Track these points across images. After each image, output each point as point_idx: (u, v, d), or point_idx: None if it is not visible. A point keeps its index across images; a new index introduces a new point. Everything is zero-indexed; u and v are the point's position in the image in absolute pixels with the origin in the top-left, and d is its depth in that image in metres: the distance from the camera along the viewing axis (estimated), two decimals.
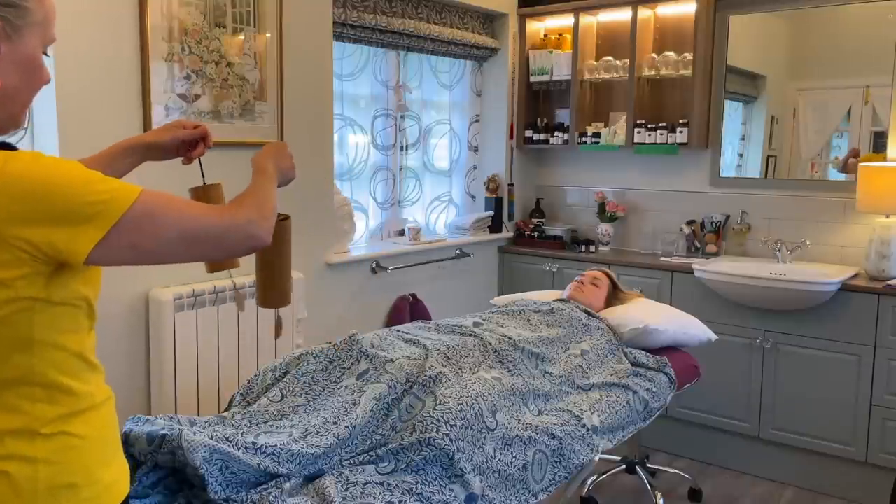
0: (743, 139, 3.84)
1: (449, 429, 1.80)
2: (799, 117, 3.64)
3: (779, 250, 3.51)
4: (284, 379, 2.05)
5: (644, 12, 3.89)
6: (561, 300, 2.93)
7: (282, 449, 1.67)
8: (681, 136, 3.77)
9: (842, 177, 3.52)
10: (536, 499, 1.92)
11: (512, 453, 1.91)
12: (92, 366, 1.10)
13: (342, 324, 3.28)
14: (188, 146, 1.46)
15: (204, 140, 1.46)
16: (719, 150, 3.83)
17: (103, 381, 1.13)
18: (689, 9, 3.76)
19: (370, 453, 1.77)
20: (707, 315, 3.43)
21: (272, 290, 1.54)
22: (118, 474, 1.13)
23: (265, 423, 1.87)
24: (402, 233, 3.88)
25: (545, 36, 4.31)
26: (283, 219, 1.52)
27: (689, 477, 3.31)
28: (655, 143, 3.84)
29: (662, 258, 3.80)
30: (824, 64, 3.56)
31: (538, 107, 4.39)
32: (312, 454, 1.70)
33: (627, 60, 3.89)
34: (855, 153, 3.54)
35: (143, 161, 1.44)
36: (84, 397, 1.07)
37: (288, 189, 3.01)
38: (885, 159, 3.36)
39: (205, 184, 1.51)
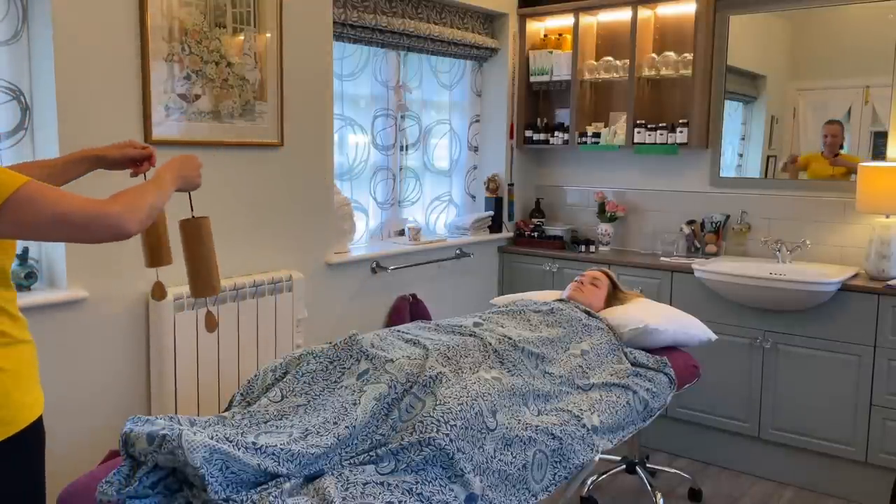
0: (743, 139, 3.84)
1: (449, 429, 1.80)
2: (799, 117, 3.64)
3: (779, 250, 3.51)
4: (284, 379, 2.05)
5: (644, 12, 3.89)
6: (561, 300, 2.93)
7: (282, 449, 1.67)
8: (681, 136, 3.77)
9: None
10: (536, 499, 1.91)
11: (512, 453, 1.91)
12: (13, 317, 1.41)
13: (342, 324, 3.28)
14: (136, 162, 1.76)
15: (149, 160, 1.76)
16: (719, 150, 3.83)
17: (25, 330, 1.45)
18: (689, 9, 3.76)
19: (370, 453, 1.77)
20: (707, 315, 3.43)
21: (197, 280, 1.75)
22: (33, 401, 1.44)
23: (265, 423, 1.87)
24: (402, 233, 3.88)
25: (545, 36, 4.31)
26: (199, 219, 1.73)
27: (689, 477, 3.31)
28: (655, 144, 3.84)
29: (662, 258, 3.80)
30: (824, 64, 3.56)
31: (538, 107, 4.39)
32: (312, 454, 1.70)
33: (627, 60, 3.89)
34: (793, 159, 3.60)
35: (93, 169, 1.71)
36: (3, 337, 1.38)
37: (289, 189, 3.03)
38: (835, 157, 3.49)
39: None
